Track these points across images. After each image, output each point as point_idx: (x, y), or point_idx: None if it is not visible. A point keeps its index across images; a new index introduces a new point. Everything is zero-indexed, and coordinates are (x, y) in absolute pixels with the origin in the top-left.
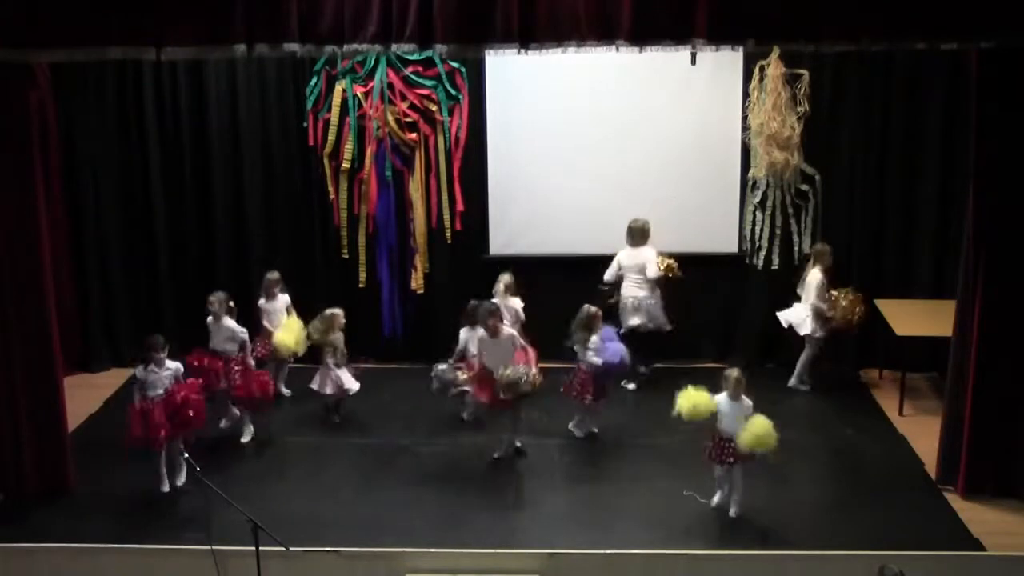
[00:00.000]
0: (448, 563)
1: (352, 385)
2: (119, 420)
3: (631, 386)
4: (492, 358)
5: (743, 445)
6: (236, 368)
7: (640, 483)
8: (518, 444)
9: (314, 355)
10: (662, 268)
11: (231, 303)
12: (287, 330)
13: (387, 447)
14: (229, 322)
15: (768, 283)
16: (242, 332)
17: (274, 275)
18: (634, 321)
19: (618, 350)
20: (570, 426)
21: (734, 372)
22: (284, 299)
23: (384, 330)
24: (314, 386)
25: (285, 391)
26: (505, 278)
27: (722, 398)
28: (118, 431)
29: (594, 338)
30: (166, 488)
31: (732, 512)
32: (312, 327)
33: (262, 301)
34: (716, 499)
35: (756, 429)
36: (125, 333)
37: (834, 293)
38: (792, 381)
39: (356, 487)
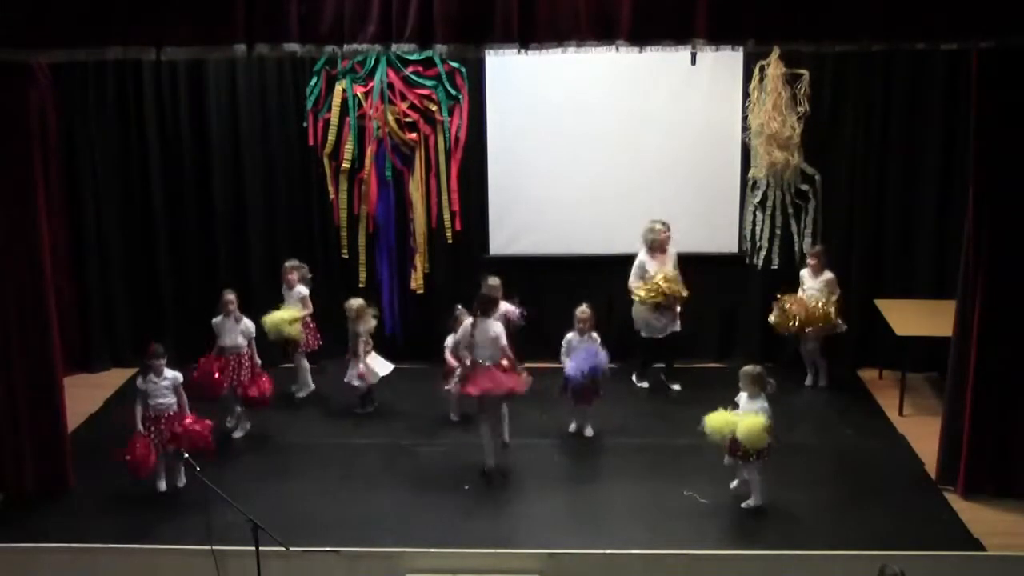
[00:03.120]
0: (448, 563)
1: (383, 370)
2: (119, 420)
3: (644, 384)
4: (480, 347)
5: (740, 439)
6: (246, 364)
7: (640, 483)
8: (504, 439)
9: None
10: (659, 289)
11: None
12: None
13: (387, 447)
14: (245, 321)
15: (768, 283)
16: (252, 326)
17: (291, 263)
18: (656, 332)
19: (584, 361)
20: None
21: (754, 369)
22: (301, 291)
23: (384, 330)
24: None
25: (302, 391)
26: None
27: (742, 396)
28: (118, 431)
29: (569, 335)
30: (163, 487)
31: (744, 503)
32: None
33: (284, 289)
34: (746, 500)
35: (748, 425)
36: (125, 333)
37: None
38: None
39: (356, 487)
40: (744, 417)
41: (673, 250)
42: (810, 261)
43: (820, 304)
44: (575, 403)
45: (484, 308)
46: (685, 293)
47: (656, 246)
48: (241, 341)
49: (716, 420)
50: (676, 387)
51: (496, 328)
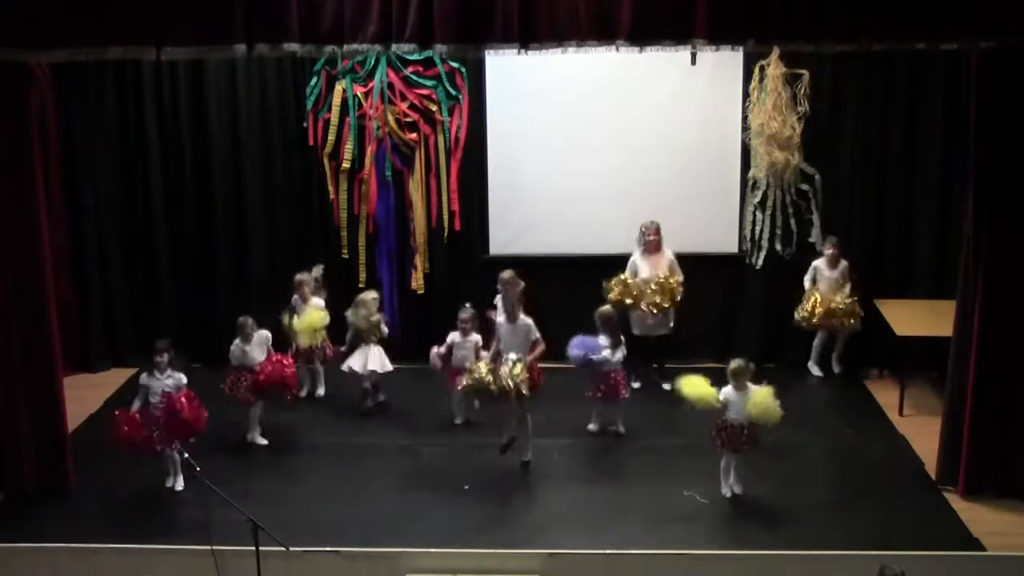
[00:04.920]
0: (448, 563)
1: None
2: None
3: (636, 384)
4: (507, 345)
5: (751, 417)
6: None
7: (640, 483)
8: (505, 440)
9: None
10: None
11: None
12: (305, 317)
13: (387, 447)
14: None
15: (768, 283)
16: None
17: (302, 275)
18: (646, 331)
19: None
20: (590, 427)
21: (737, 363)
22: (318, 302)
23: None
24: (356, 367)
25: (320, 391)
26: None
27: (728, 389)
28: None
29: (602, 339)
30: (169, 484)
31: (738, 489)
32: (354, 315)
33: (296, 300)
34: (730, 490)
35: (759, 400)
36: (125, 333)
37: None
38: (809, 362)
39: (356, 487)
40: (752, 396)
41: (670, 252)
42: (828, 251)
43: (842, 302)
44: (606, 402)
45: (511, 314)
46: (666, 305)
47: (648, 247)
48: (260, 355)
49: (693, 388)
50: (666, 386)
51: (526, 322)
